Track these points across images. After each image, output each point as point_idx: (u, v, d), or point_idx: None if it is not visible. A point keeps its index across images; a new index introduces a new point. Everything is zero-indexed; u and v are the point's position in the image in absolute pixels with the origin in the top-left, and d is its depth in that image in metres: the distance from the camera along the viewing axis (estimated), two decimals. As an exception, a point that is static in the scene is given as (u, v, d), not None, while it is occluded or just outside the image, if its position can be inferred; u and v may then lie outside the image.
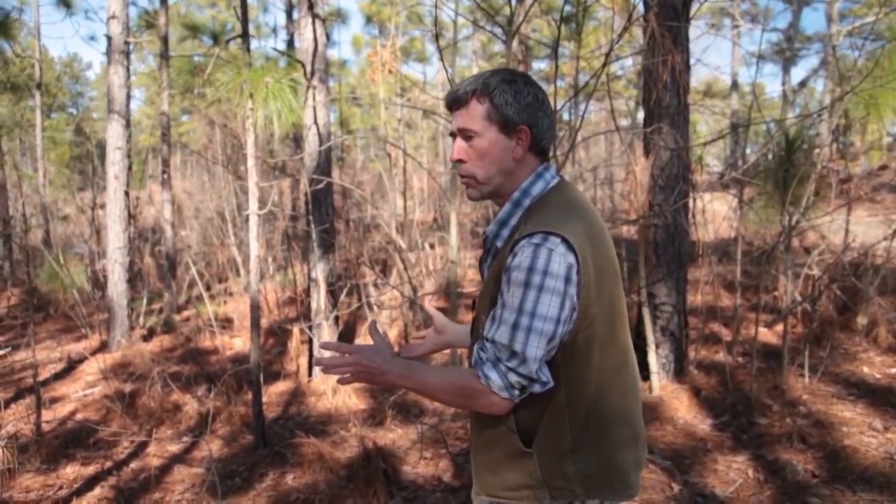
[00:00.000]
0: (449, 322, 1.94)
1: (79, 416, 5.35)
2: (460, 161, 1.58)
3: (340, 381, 1.57)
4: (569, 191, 1.59)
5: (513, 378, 1.42)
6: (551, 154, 1.78)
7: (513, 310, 1.41)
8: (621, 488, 1.56)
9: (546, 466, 1.51)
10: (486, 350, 1.46)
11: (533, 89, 1.55)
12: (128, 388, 5.79)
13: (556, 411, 1.49)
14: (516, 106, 1.52)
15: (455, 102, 1.57)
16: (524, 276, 1.40)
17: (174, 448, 4.66)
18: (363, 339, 6.53)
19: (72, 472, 4.30)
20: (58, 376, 6.49)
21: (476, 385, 1.45)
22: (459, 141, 1.58)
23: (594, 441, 1.52)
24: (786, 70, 20.91)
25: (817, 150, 5.31)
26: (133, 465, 4.41)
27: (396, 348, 6.23)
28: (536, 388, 1.45)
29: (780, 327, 5.85)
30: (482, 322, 1.54)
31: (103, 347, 7.45)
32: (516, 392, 1.44)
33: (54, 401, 5.75)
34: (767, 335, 5.98)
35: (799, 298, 5.70)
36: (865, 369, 5.02)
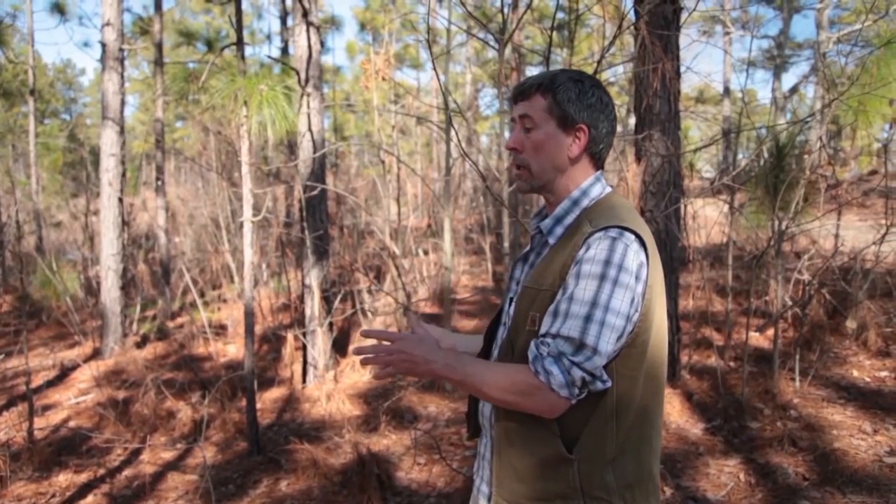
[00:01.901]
0: (446, 333, 1.86)
1: (72, 424, 5.34)
2: (515, 150, 1.57)
3: (378, 375, 1.48)
4: (624, 198, 1.58)
5: (577, 374, 1.35)
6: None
7: (584, 302, 1.36)
8: (654, 499, 1.51)
9: (586, 474, 1.43)
10: (546, 345, 1.38)
11: (599, 92, 1.54)
12: (121, 395, 5.78)
13: (604, 416, 1.43)
14: (578, 104, 1.51)
15: (520, 94, 1.57)
16: (600, 269, 1.37)
17: (168, 455, 4.66)
18: (359, 341, 6.53)
19: (64, 479, 4.29)
20: (50, 383, 6.47)
21: (534, 381, 1.38)
22: (517, 130, 1.57)
23: (636, 449, 1.47)
24: (776, 76, 21.03)
25: (807, 156, 5.36)
26: (126, 472, 4.41)
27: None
28: (598, 386, 1.39)
29: (771, 332, 5.89)
30: (528, 319, 1.47)
31: (96, 354, 7.44)
32: (576, 391, 1.38)
33: (47, 408, 5.74)
34: (759, 339, 6.02)
35: (789, 303, 5.74)
36: (855, 373, 5.05)
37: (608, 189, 1.58)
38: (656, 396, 1.52)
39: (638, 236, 1.42)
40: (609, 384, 1.40)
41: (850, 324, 5.76)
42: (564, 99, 1.51)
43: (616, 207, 1.50)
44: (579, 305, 1.36)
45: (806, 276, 5.71)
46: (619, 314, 1.36)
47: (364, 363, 1.49)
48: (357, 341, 6.72)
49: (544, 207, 1.65)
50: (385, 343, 1.48)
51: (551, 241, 1.55)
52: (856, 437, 4.02)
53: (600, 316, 1.35)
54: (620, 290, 1.36)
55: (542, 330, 1.41)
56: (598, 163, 1.59)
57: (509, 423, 1.51)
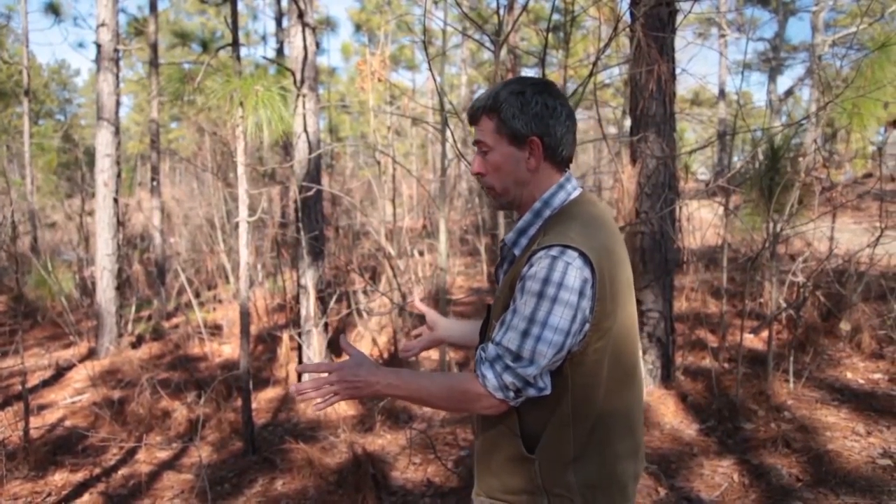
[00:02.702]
0: (440, 317, 1.95)
1: (67, 423, 5.34)
2: (480, 174, 1.61)
3: (320, 407, 1.53)
4: (590, 204, 1.59)
5: (507, 379, 1.43)
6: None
7: (524, 318, 1.43)
8: (619, 500, 1.57)
9: (547, 473, 1.51)
10: (486, 350, 1.48)
11: (543, 98, 1.54)
12: (116, 394, 5.78)
13: (561, 419, 1.50)
14: (523, 118, 1.53)
15: (471, 119, 1.61)
16: (539, 287, 1.42)
17: (163, 454, 4.66)
18: (355, 344, 6.53)
19: (60, 478, 4.29)
20: (46, 383, 6.46)
21: (471, 386, 1.47)
22: (477, 155, 1.61)
23: (597, 451, 1.52)
24: (772, 79, 21.09)
25: (802, 159, 5.38)
26: (122, 471, 4.41)
27: (386, 355, 6.25)
28: (531, 392, 1.46)
29: (765, 333, 5.91)
30: (493, 327, 1.55)
31: (92, 354, 7.43)
32: (511, 394, 1.45)
33: (42, 408, 5.73)
34: (753, 341, 6.04)
35: (784, 305, 5.76)
36: (849, 375, 5.08)
37: (575, 193, 1.60)
38: (623, 401, 1.57)
39: (582, 253, 1.43)
40: (547, 391, 1.47)
41: (845, 326, 5.78)
42: (509, 116, 1.54)
43: (572, 219, 1.52)
44: (519, 320, 1.44)
45: (800, 279, 5.73)
46: (556, 330, 1.42)
47: (304, 400, 1.54)
48: (354, 342, 6.72)
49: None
50: (323, 375, 1.53)
51: (516, 252, 1.61)
52: (849, 438, 4.04)
53: (537, 332, 1.42)
54: (559, 307, 1.41)
55: (492, 336, 1.50)
56: (562, 165, 1.61)
57: (485, 424, 1.62)
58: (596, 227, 1.52)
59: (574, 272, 1.42)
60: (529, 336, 1.41)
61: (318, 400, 1.52)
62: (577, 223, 1.50)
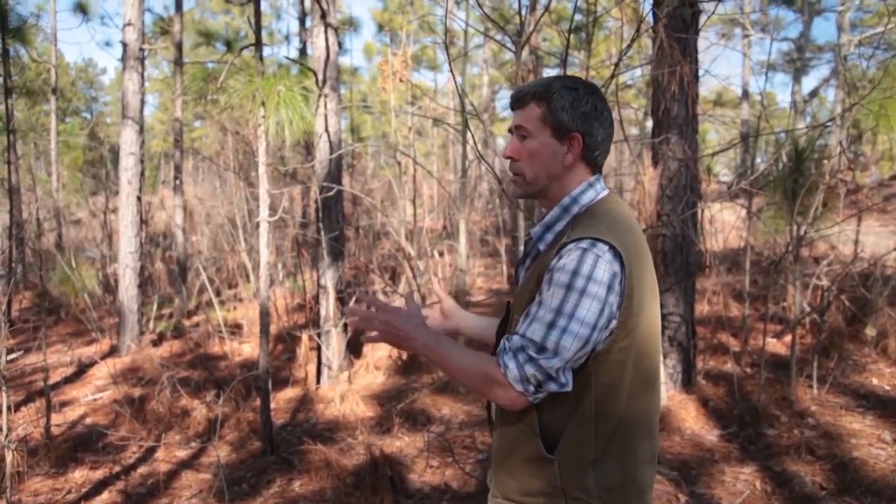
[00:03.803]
0: (458, 308, 1.93)
1: (88, 420, 5.39)
2: (511, 158, 1.60)
3: (366, 339, 1.58)
4: (617, 204, 1.59)
5: (529, 370, 1.41)
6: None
7: (551, 309, 1.41)
8: None
9: (567, 475, 1.48)
10: (511, 340, 1.46)
11: (593, 99, 1.56)
12: (137, 392, 5.83)
13: (583, 419, 1.47)
14: (572, 112, 1.53)
15: (516, 102, 1.60)
16: (568, 279, 1.41)
17: (182, 453, 4.69)
18: (370, 347, 6.54)
19: (80, 476, 4.33)
20: (68, 380, 6.54)
21: (494, 372, 1.45)
22: (514, 139, 1.60)
23: (618, 455, 1.50)
24: (796, 80, 20.82)
25: (827, 161, 5.30)
26: (141, 469, 4.44)
27: (405, 355, 6.24)
28: (552, 387, 1.43)
29: (788, 338, 5.82)
30: (516, 321, 1.53)
31: (113, 352, 7.50)
32: (531, 387, 1.43)
33: (64, 404, 5.79)
34: (776, 346, 5.96)
35: (808, 309, 5.68)
36: (875, 381, 4.99)
37: (604, 193, 1.60)
38: (644, 404, 1.55)
39: (612, 247, 1.43)
40: (568, 388, 1.44)
41: (870, 331, 5.69)
42: (559, 107, 1.54)
43: (602, 216, 1.52)
44: (545, 311, 1.42)
45: (825, 282, 5.65)
46: (583, 323, 1.40)
47: (352, 325, 1.59)
48: (370, 345, 6.72)
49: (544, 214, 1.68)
50: (374, 310, 1.56)
51: (542, 247, 1.59)
52: (875, 446, 3.97)
53: (563, 323, 1.40)
54: (587, 300, 1.40)
55: (516, 329, 1.48)
56: (595, 168, 1.62)
57: (503, 422, 1.59)
58: (625, 225, 1.52)
59: (604, 265, 1.41)
60: (555, 328, 1.39)
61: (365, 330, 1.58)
62: (605, 221, 1.50)
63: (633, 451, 1.53)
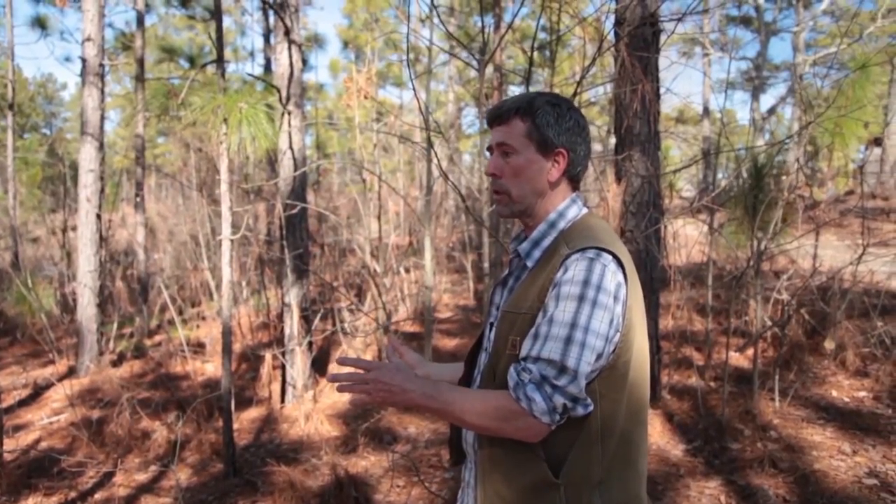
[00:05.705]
0: (421, 359, 1.83)
1: (43, 445, 5.23)
2: (495, 176, 1.57)
3: (354, 402, 1.47)
4: (600, 220, 1.58)
5: (558, 400, 1.34)
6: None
7: (564, 324, 1.35)
8: None
9: (573, 499, 1.41)
10: (529, 371, 1.36)
11: (575, 115, 1.55)
12: (95, 414, 5.68)
13: (589, 437, 1.41)
14: (557, 128, 1.52)
15: (497, 119, 1.56)
16: (579, 290, 1.36)
17: (142, 477, 4.57)
18: (334, 367, 6.46)
19: (34, 502, 4.19)
20: (23, 403, 6.34)
21: (514, 407, 1.36)
22: (496, 156, 1.57)
23: (621, 473, 1.45)
24: (755, 97, 21.31)
25: (785, 177, 5.41)
26: (98, 495, 4.32)
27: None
28: (579, 411, 1.37)
29: (750, 351, 5.90)
30: (509, 343, 1.46)
31: (71, 373, 7.31)
32: (557, 416, 1.36)
33: (18, 428, 5.62)
34: (739, 359, 6.03)
35: (769, 322, 5.76)
36: (834, 393, 5.08)
37: (585, 210, 1.59)
38: (639, 419, 1.51)
39: (615, 257, 1.42)
40: (591, 408, 1.39)
41: (829, 344, 5.79)
42: (544, 123, 1.52)
43: (593, 228, 1.50)
44: (559, 327, 1.35)
45: (785, 296, 5.74)
46: (598, 335, 1.36)
47: (340, 390, 1.48)
48: (336, 364, 6.64)
49: (522, 231, 1.64)
50: (361, 371, 1.47)
51: (529, 264, 1.54)
52: (835, 457, 4.02)
53: (580, 337, 1.34)
54: (600, 311, 1.36)
55: (523, 353, 1.40)
56: (576, 184, 1.61)
57: (494, 449, 1.49)
58: (617, 238, 1.51)
59: (610, 275, 1.39)
60: (573, 343, 1.34)
61: (356, 395, 1.47)
62: (601, 232, 1.48)
63: (635, 467, 1.49)
